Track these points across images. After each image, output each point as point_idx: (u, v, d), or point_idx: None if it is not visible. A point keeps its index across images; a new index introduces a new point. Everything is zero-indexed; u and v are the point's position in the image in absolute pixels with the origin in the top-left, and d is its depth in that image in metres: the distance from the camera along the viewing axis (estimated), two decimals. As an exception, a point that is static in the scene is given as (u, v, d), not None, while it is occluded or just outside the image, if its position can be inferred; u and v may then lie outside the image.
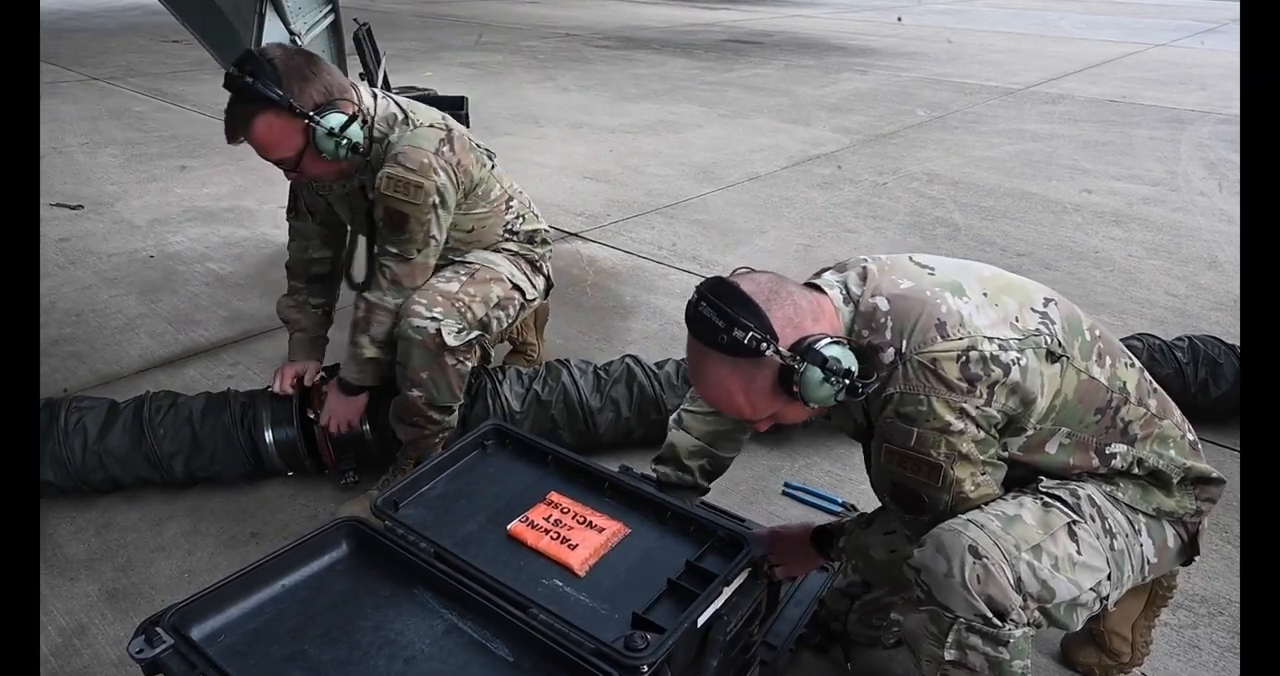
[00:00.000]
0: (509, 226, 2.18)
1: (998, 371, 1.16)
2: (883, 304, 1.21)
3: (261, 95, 1.66)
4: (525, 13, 13.37)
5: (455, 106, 5.51)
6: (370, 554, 1.36)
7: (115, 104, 6.34)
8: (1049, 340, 1.21)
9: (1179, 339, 2.46)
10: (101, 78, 7.28)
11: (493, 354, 2.52)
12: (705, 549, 1.35)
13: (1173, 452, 1.29)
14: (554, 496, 1.46)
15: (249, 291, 3.29)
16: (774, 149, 5.55)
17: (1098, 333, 1.29)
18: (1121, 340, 1.57)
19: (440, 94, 6.04)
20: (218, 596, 1.23)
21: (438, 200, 1.88)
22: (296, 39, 2.26)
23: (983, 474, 1.19)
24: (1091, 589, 1.18)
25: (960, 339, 1.17)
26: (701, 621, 1.21)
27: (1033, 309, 1.24)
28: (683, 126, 6.14)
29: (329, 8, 2.33)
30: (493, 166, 2.12)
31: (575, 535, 1.36)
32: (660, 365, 2.39)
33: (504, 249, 2.18)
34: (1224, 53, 10.30)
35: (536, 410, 2.24)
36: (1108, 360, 1.26)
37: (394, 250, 1.92)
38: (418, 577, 1.30)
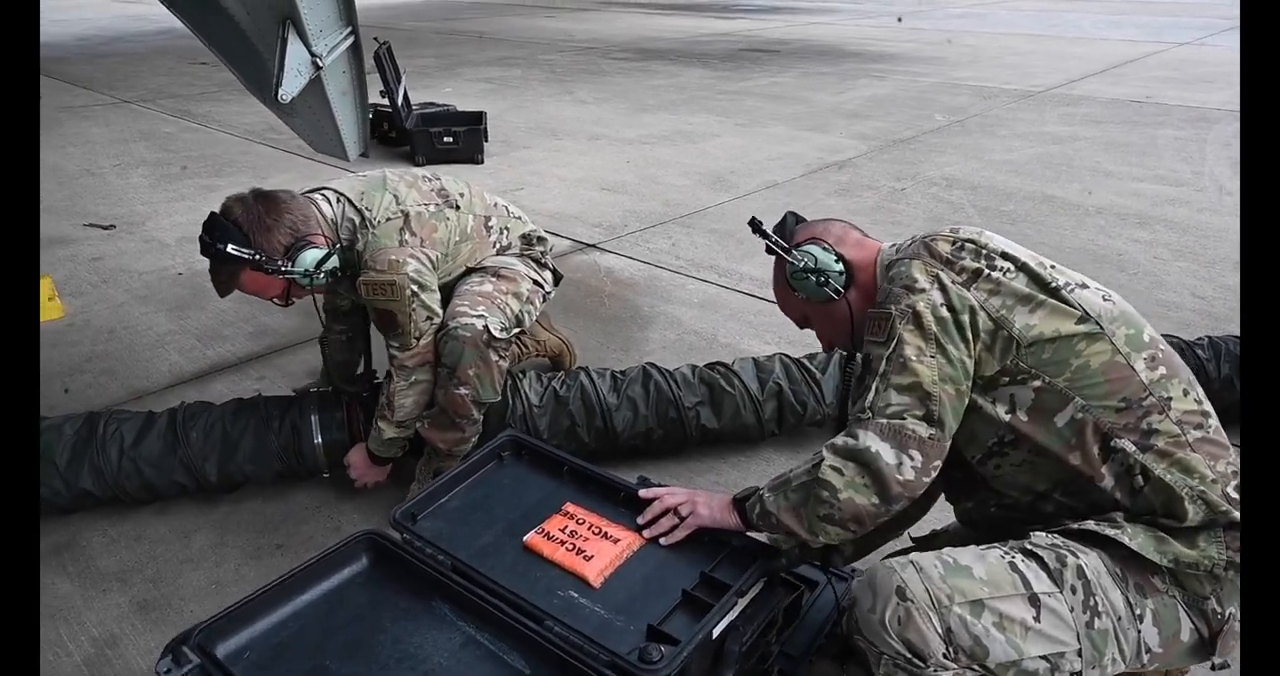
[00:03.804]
0: (496, 244, 2.27)
1: (987, 265, 1.23)
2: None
3: (233, 258, 1.79)
4: (542, 27, 13.51)
5: (474, 121, 5.64)
6: (389, 567, 1.38)
7: (146, 126, 6.49)
8: (1075, 295, 1.23)
9: (1199, 338, 2.43)
10: (133, 100, 7.46)
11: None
12: (720, 559, 1.35)
13: (1194, 481, 1.16)
14: (569, 507, 1.48)
15: (274, 307, 3.34)
16: (791, 157, 5.56)
17: (1161, 346, 1.26)
18: None
19: (459, 110, 6.16)
20: (242, 613, 1.25)
21: (415, 288, 1.96)
22: (318, 61, 2.30)
23: (933, 355, 1.18)
24: (1043, 657, 1.11)
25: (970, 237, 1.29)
26: (716, 632, 1.22)
27: (1084, 283, 1.27)
28: (699, 136, 6.16)
29: (349, 29, 2.37)
30: (458, 206, 2.17)
31: (590, 546, 1.37)
32: (677, 369, 2.41)
33: (509, 254, 2.26)
34: (1251, 50, 10.13)
35: (555, 407, 2.27)
36: (1161, 369, 1.22)
37: (395, 344, 2.03)
38: (435, 590, 1.32)
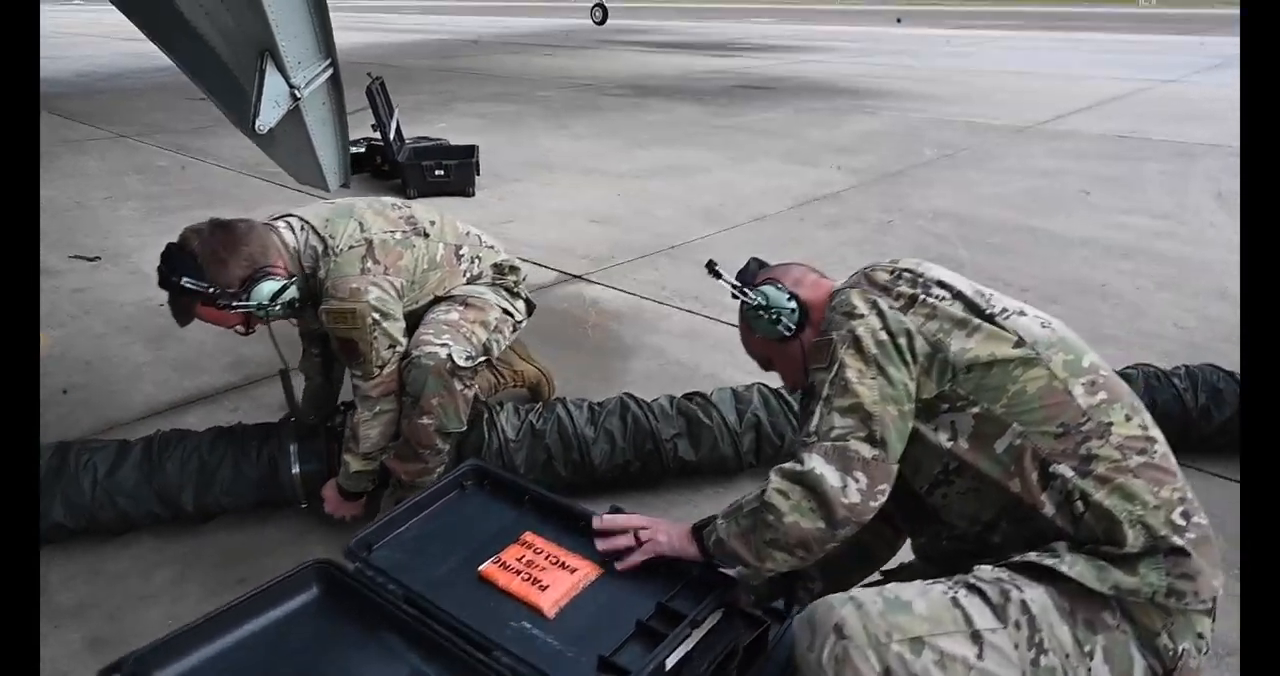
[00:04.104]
0: (467, 272, 2.26)
1: (923, 291, 1.25)
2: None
3: (189, 292, 1.80)
4: (542, 65, 13.74)
5: (466, 155, 5.69)
6: (339, 597, 1.34)
7: (140, 159, 6.55)
8: (1011, 320, 1.23)
9: (1176, 367, 2.41)
10: (129, 135, 7.54)
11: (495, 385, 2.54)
12: (678, 590, 1.32)
13: (1135, 507, 1.12)
14: (528, 536, 1.44)
15: (254, 338, 3.32)
16: (781, 190, 5.59)
17: (1102, 371, 1.24)
18: (1117, 371, 1.54)
19: (452, 144, 6.23)
20: (181, 642, 1.22)
21: (377, 316, 1.95)
22: (296, 92, 2.32)
23: (874, 377, 1.19)
24: None
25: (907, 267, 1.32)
26: (670, 663, 1.18)
27: (1021, 310, 1.27)
28: (691, 170, 6.21)
29: (328, 61, 2.40)
30: (426, 234, 2.16)
31: (547, 576, 1.34)
32: (655, 401, 2.39)
33: (480, 282, 2.24)
34: (1233, 87, 10.29)
35: (531, 441, 2.24)
36: (1101, 394, 1.20)
37: (358, 373, 2.01)
38: (385, 621, 1.28)
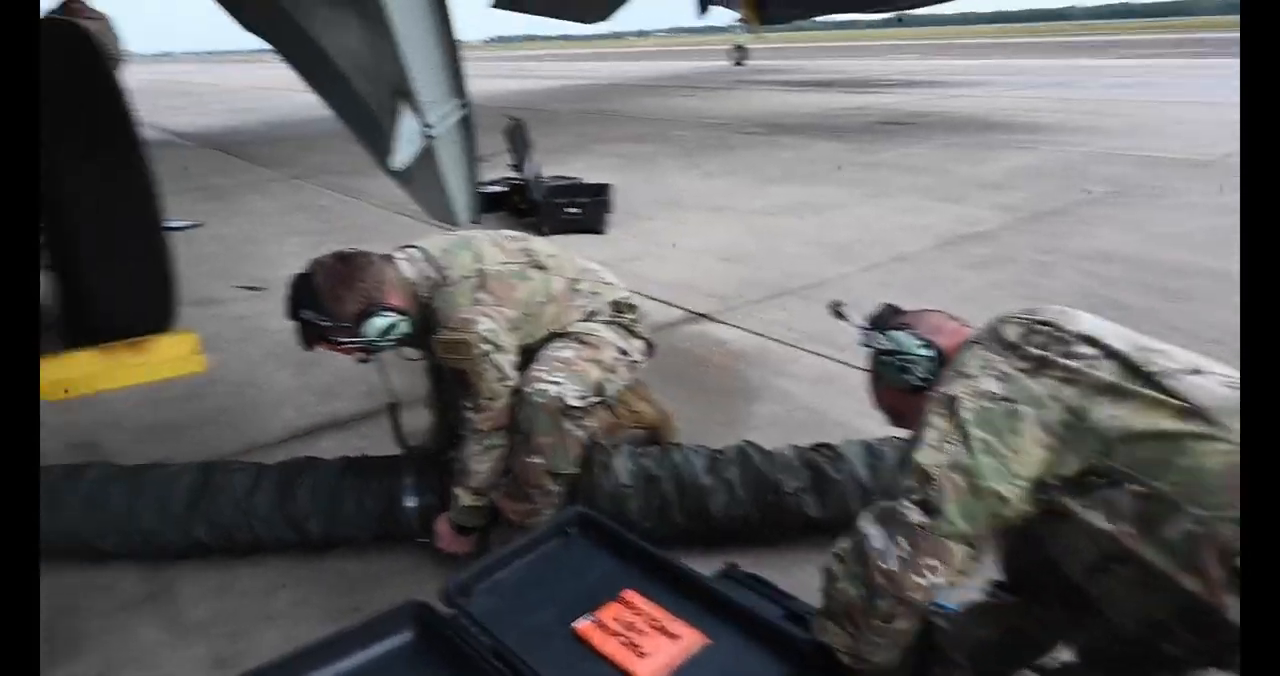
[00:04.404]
0: (583, 308, 2.21)
1: (1061, 352, 1.06)
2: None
3: (311, 325, 1.90)
4: (677, 106, 13.95)
5: (598, 193, 5.77)
6: (432, 642, 1.29)
7: (305, 199, 7.09)
8: (1180, 382, 1.01)
9: None
10: (300, 176, 8.21)
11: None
12: (793, 671, 1.17)
13: None
14: (630, 595, 1.34)
15: (392, 366, 3.45)
16: (922, 228, 5.31)
17: None
18: None
19: (586, 182, 6.36)
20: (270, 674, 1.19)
21: (487, 347, 1.93)
22: (429, 131, 2.40)
23: (954, 442, 1.04)
24: None
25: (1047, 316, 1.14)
26: (778, 759, 1.04)
27: (1197, 368, 1.06)
28: (825, 207, 6.03)
29: (460, 102, 2.47)
30: (543, 266, 2.14)
31: (647, 642, 1.23)
32: (778, 450, 2.24)
33: (596, 319, 2.18)
34: None
35: (646, 486, 2.15)
36: None
37: (469, 404, 1.99)
38: (474, 675, 1.20)
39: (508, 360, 1.98)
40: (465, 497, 2.02)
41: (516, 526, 2.01)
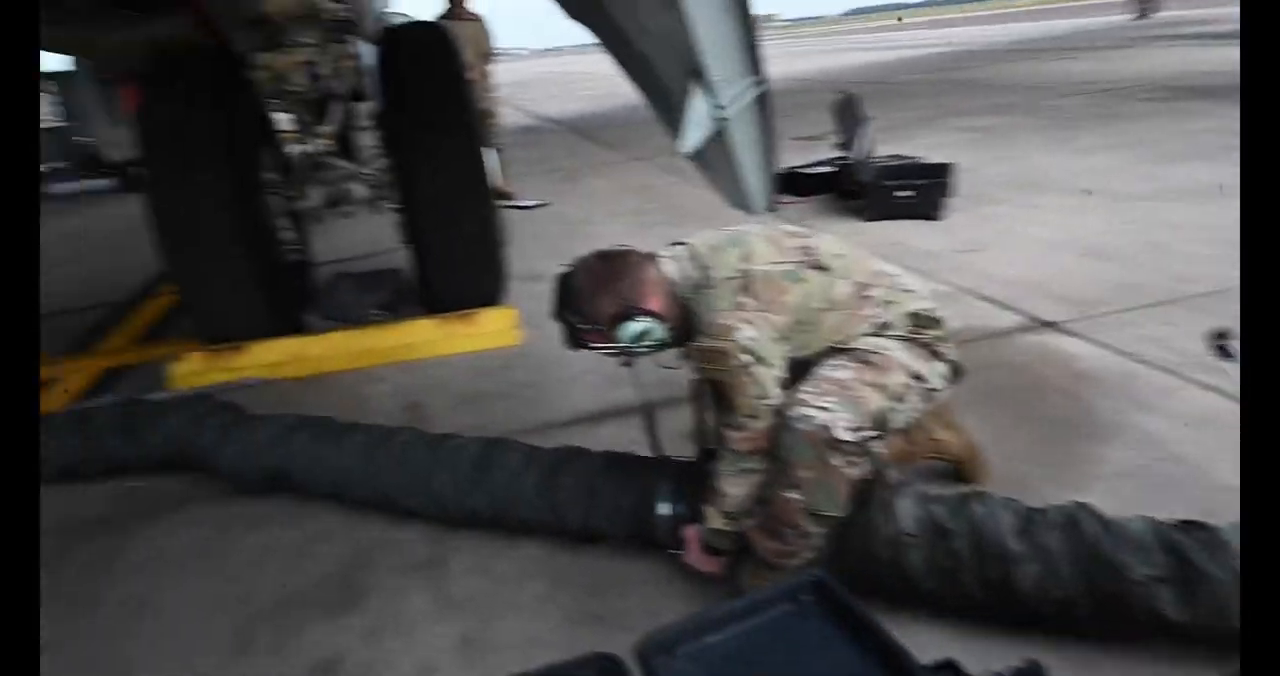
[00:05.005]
0: (875, 320, 1.83)
1: None
2: None
3: (570, 326, 1.88)
4: (1053, 71, 12.14)
5: (937, 174, 5.15)
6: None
7: (639, 180, 7.38)
8: None
9: None
10: (639, 158, 8.58)
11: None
12: None
13: None
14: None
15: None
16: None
17: None
18: None
19: (924, 162, 5.72)
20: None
21: (748, 358, 1.69)
22: (721, 112, 2.20)
23: None
24: None
25: None
26: None
27: None
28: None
29: (755, 79, 2.23)
30: (825, 267, 1.83)
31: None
32: (1125, 521, 1.71)
33: (888, 335, 1.80)
34: None
35: (934, 539, 1.77)
36: None
37: (727, 421, 1.78)
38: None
39: (771, 374, 1.72)
40: (714, 519, 1.83)
41: (768, 567, 1.76)
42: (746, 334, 1.69)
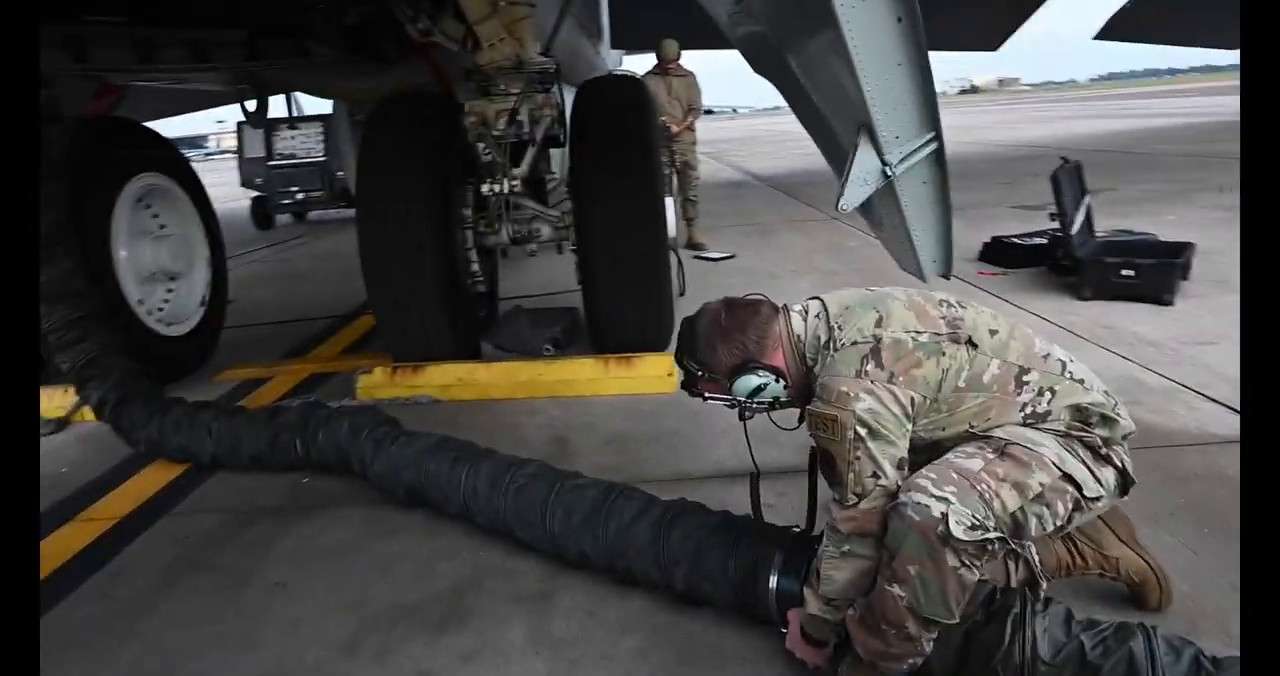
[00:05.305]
0: (1030, 410, 1.60)
1: None
2: None
3: (691, 376, 1.84)
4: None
5: (1172, 254, 4.57)
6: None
7: (836, 239, 7.21)
8: None
9: None
10: (838, 217, 8.38)
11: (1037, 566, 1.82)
12: None
13: None
14: None
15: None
16: None
17: None
18: None
19: (1159, 239, 5.10)
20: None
21: (864, 431, 1.54)
22: (888, 170, 2.08)
23: None
24: None
25: None
26: None
27: None
28: None
29: (931, 135, 2.09)
30: (974, 343, 1.64)
31: None
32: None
33: (1044, 428, 1.57)
34: None
35: (1078, 671, 1.51)
36: None
37: (835, 496, 1.64)
38: None
39: (889, 453, 1.57)
40: (812, 604, 1.69)
41: (867, 667, 1.58)
42: (866, 405, 1.56)
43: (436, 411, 3.68)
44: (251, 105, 5.68)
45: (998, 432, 1.59)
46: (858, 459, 1.56)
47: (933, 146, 2.12)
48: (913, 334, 1.63)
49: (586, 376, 3.78)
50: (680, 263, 4.91)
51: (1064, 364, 1.68)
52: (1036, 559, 1.90)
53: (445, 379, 3.80)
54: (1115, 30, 13.57)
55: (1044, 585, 1.88)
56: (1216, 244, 5.54)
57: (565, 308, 4.80)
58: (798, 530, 2.05)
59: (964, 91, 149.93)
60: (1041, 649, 1.54)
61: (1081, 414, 1.61)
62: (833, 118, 2.46)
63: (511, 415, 3.60)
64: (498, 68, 3.83)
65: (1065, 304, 4.59)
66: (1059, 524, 1.56)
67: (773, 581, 1.91)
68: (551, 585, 2.26)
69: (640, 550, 2.12)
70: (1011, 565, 1.88)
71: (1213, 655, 1.47)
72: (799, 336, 1.76)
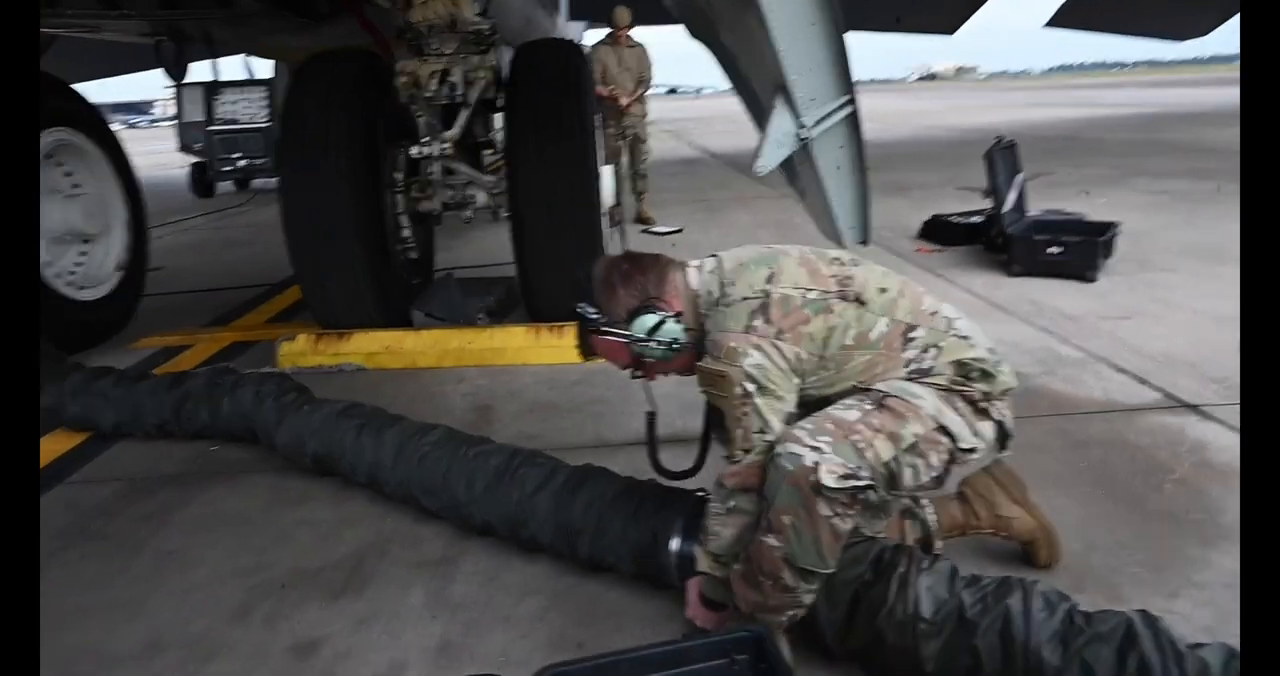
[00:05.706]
0: (912, 366, 1.60)
1: None
2: None
3: (585, 319, 1.74)
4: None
5: (1096, 233, 4.67)
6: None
7: (783, 216, 7.20)
8: None
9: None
10: (789, 193, 8.40)
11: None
12: None
13: None
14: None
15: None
16: None
17: None
18: None
19: (1085, 219, 5.20)
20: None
21: (753, 387, 1.53)
22: (804, 132, 2.06)
23: None
24: None
25: None
26: None
27: None
28: None
29: (845, 99, 2.07)
30: (862, 300, 1.63)
31: None
32: (1195, 647, 1.40)
33: (925, 382, 1.57)
34: None
35: (955, 630, 1.52)
36: None
37: (725, 452, 1.63)
38: None
39: (776, 408, 1.55)
40: (702, 561, 1.68)
41: (744, 619, 1.57)
42: (753, 361, 1.54)
43: (360, 379, 3.60)
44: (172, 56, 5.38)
45: (879, 385, 1.59)
46: (745, 414, 1.54)
47: (848, 110, 2.11)
48: (803, 291, 1.62)
49: (517, 345, 3.73)
50: (624, 234, 4.86)
51: (950, 320, 1.68)
52: (933, 518, 1.92)
53: (371, 346, 3.72)
54: (1065, 18, 13.81)
55: (939, 544, 1.91)
56: (1145, 226, 5.69)
57: (502, 277, 4.73)
58: (701, 494, 2.04)
59: (923, 78, 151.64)
60: (924, 606, 1.55)
61: (963, 369, 1.61)
62: (754, 81, 2.44)
63: (437, 383, 3.53)
64: (430, 26, 3.71)
65: (995, 279, 4.66)
66: (935, 475, 1.57)
67: (673, 544, 1.89)
68: (455, 550, 2.22)
69: (543, 520, 2.09)
70: (908, 524, 1.90)
71: (1085, 610, 1.49)
72: (695, 290, 1.73)
